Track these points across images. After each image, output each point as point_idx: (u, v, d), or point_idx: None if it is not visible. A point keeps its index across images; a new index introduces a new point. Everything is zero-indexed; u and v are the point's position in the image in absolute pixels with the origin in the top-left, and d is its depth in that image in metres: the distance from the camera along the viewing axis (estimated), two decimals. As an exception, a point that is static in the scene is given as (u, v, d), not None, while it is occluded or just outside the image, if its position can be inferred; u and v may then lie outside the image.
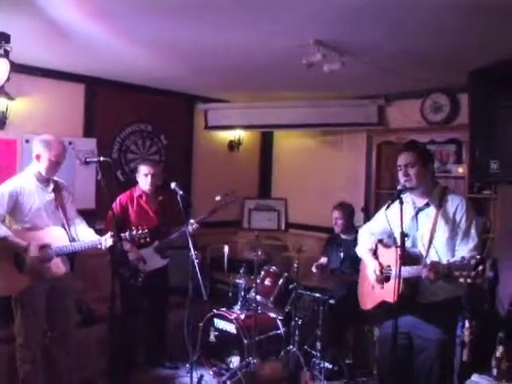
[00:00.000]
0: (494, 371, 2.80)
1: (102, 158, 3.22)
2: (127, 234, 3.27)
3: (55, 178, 3.31)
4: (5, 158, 4.18)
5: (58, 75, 4.49)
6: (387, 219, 2.60)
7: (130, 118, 5.14)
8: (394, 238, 2.78)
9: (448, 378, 2.79)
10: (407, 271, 2.50)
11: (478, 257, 2.29)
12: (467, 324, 3.50)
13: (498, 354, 2.80)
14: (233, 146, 6.07)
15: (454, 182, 4.55)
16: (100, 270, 3.98)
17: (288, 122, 5.52)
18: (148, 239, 3.38)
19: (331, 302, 3.91)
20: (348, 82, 4.50)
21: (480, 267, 2.25)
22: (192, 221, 3.82)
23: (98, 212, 4.41)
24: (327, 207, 4.52)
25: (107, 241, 3.12)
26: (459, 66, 3.57)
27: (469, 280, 2.26)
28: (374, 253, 2.91)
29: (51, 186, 3.25)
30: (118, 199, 3.94)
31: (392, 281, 2.66)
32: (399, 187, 2.64)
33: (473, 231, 2.57)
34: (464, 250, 2.54)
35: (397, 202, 2.52)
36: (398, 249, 2.47)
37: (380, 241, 2.94)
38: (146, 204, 3.99)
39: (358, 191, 5.33)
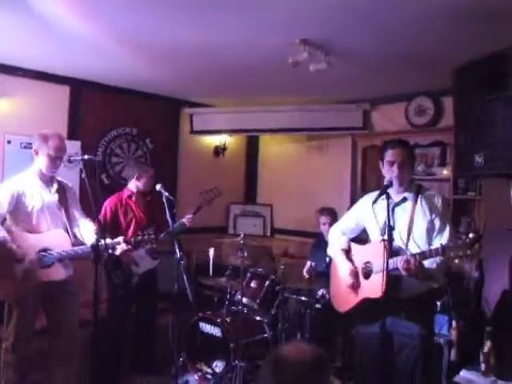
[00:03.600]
0: (483, 366, 2.76)
1: (86, 156, 3.10)
2: (132, 239, 3.27)
3: (59, 179, 3.17)
4: (-14, 159, 4.11)
5: (42, 76, 4.45)
6: (374, 213, 2.59)
7: (115, 121, 5.10)
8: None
9: (434, 377, 2.75)
10: (390, 262, 2.46)
11: (472, 235, 2.26)
12: (454, 324, 3.50)
13: (485, 349, 2.77)
14: (218, 151, 6.07)
15: (439, 184, 4.58)
16: (86, 272, 3.88)
17: (273, 126, 5.52)
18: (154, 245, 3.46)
19: (318, 306, 3.88)
20: (333, 85, 4.54)
21: (477, 245, 2.24)
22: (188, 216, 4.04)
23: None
24: (313, 212, 4.50)
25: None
26: (443, 66, 3.61)
27: (465, 259, 2.26)
28: (347, 253, 2.89)
29: (55, 187, 3.10)
30: (105, 205, 3.87)
31: (373, 277, 2.64)
32: (386, 182, 2.64)
33: (448, 225, 2.59)
34: (440, 242, 2.50)
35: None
36: (380, 243, 2.45)
37: (352, 239, 2.93)
38: (135, 205, 3.96)
39: (343, 195, 5.34)
